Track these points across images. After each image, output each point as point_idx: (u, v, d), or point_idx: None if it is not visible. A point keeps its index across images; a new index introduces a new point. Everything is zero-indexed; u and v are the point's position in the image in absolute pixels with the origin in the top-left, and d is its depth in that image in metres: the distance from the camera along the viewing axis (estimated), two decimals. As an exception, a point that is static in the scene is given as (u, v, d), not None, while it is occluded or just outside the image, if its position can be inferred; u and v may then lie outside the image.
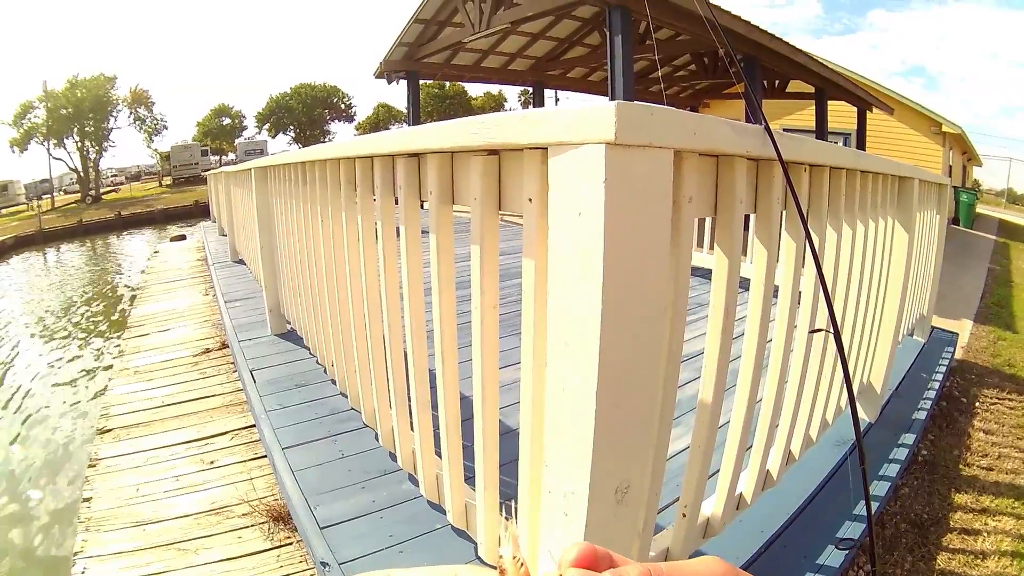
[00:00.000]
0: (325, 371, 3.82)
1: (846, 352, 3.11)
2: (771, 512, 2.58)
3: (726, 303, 1.64)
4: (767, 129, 1.50)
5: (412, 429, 2.39)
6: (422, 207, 2.04)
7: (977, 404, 6.50)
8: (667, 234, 1.21)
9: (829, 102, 15.56)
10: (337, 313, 3.03)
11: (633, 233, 1.10)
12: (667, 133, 1.14)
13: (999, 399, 6.84)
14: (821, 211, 2.14)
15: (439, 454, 2.22)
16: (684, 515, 1.88)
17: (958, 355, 7.61)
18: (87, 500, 3.39)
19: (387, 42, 15.21)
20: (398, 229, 2.19)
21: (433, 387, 2.11)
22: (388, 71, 15.31)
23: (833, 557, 2.54)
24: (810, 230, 1.76)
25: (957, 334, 6.85)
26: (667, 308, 1.37)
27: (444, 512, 2.28)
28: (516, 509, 1.59)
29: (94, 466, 3.80)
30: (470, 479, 2.09)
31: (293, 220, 3.85)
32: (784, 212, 1.85)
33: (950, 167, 22.32)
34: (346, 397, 3.33)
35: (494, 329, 1.70)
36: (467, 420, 2.00)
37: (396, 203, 2.16)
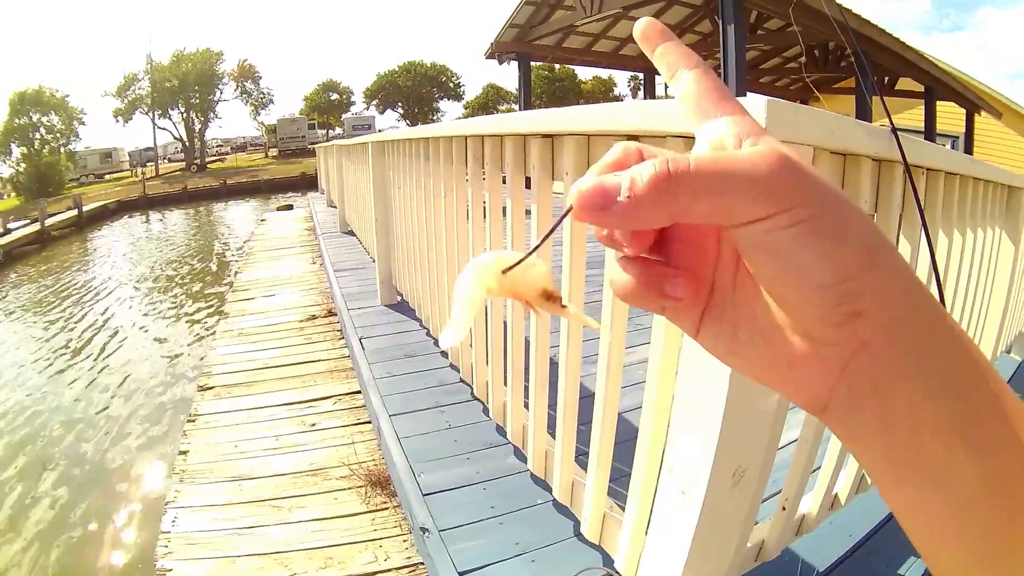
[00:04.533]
0: (435, 343, 3.89)
1: None
2: (861, 517, 2.52)
3: None
4: (894, 131, 1.50)
5: (526, 407, 2.44)
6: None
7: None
8: None
9: (938, 103, 15.06)
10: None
11: None
12: (809, 131, 1.18)
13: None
14: (934, 217, 2.10)
15: (550, 432, 2.26)
16: (784, 508, 1.89)
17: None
18: (183, 453, 3.51)
19: (498, 23, 15.28)
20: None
21: (554, 366, 2.16)
22: (499, 52, 15.39)
23: (916, 567, 2.49)
24: (930, 235, 1.73)
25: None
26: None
27: (548, 488, 2.33)
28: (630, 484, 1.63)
29: (193, 421, 3.94)
30: (578, 459, 2.15)
31: (411, 194, 3.93)
32: (901, 215, 1.84)
33: None
34: (456, 370, 3.42)
35: (623, 313, 1.74)
36: (583, 398, 2.06)
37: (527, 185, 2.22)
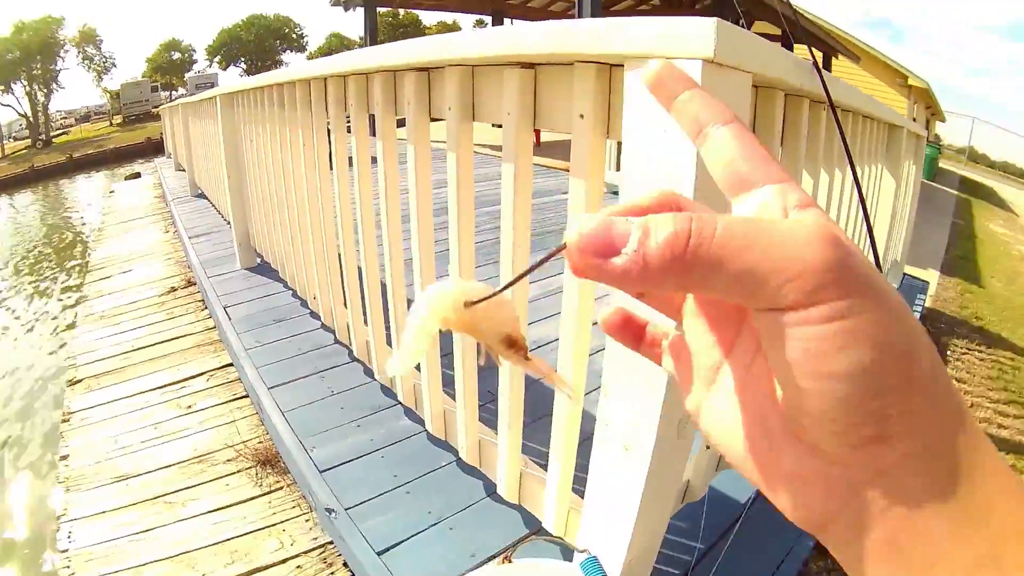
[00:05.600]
0: (304, 304, 3.70)
1: None
2: None
3: None
4: (816, 66, 1.46)
5: (416, 367, 2.27)
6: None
7: (948, 353, 6.63)
8: None
9: (795, 46, 15.48)
10: (321, 243, 2.90)
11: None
12: (751, 57, 1.08)
13: (968, 350, 6.98)
14: (831, 153, 2.10)
15: (447, 390, 2.15)
16: (708, 447, 1.87)
17: (927, 303, 7.77)
18: (64, 458, 3.25)
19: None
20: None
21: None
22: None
23: None
24: (855, 169, 1.68)
25: (928, 283, 6.94)
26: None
27: (450, 449, 2.23)
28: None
29: (67, 420, 3.65)
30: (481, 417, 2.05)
31: (266, 148, 3.68)
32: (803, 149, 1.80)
33: (914, 120, 22.83)
34: (331, 331, 3.22)
35: (526, 255, 1.60)
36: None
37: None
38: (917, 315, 5.62)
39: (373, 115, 2.13)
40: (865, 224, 1.45)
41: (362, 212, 2.43)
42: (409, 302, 2.18)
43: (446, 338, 2.01)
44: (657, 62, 0.36)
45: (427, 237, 2.04)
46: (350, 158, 2.42)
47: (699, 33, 0.94)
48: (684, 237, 0.26)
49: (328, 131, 2.54)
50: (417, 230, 2.02)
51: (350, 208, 2.54)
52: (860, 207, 1.48)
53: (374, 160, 2.23)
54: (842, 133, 1.57)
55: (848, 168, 2.56)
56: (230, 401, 3.49)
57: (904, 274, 6.33)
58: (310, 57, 60.59)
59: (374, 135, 2.16)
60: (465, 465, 2.15)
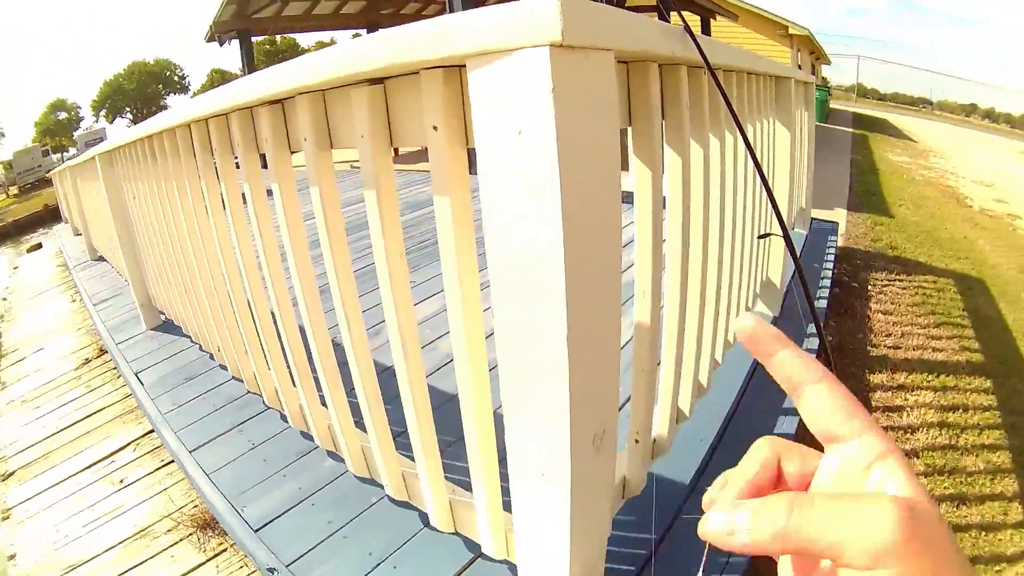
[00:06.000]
0: (212, 357, 3.57)
1: (750, 255, 3.08)
2: (706, 420, 2.63)
3: (653, 220, 1.52)
4: (688, 31, 1.41)
5: (324, 404, 2.20)
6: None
7: (870, 287, 6.78)
8: (617, 148, 1.06)
9: (672, 13, 15.58)
10: (214, 293, 2.79)
11: (585, 149, 0.96)
12: (610, 33, 1.00)
13: (890, 281, 7.15)
14: (719, 118, 2.07)
15: (360, 426, 2.05)
16: (637, 441, 1.80)
17: (840, 243, 7.96)
18: (12, 558, 3.10)
19: (215, 2, 14.46)
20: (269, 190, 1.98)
21: (340, 349, 1.94)
22: (219, 33, 14.62)
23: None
24: (745, 134, 1.65)
25: (837, 223, 7.10)
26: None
27: (378, 485, 2.13)
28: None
29: (7, 517, 3.48)
30: (400, 449, 1.97)
31: (149, 202, 3.52)
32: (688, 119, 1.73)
33: (799, 67, 23.39)
34: (241, 381, 3.10)
35: (404, 281, 1.52)
36: (382, 373, 1.88)
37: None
38: (831, 257, 5.73)
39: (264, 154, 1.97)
40: (763, 185, 1.42)
41: (243, 258, 2.32)
42: (304, 338, 2.12)
43: (347, 373, 1.93)
44: (749, 317, 0.42)
45: (307, 274, 1.95)
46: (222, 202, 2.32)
47: (542, 15, 0.85)
48: (781, 528, 0.34)
49: (215, 175, 2.40)
50: (296, 268, 1.93)
51: (232, 255, 2.43)
52: (756, 169, 1.45)
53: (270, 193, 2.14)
54: (726, 96, 1.52)
55: (748, 128, 2.58)
56: (159, 468, 3.38)
57: (812, 219, 6.44)
58: (194, 96, 60.39)
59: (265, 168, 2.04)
60: (399, 500, 2.07)
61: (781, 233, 1.50)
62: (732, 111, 1.50)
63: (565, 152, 0.90)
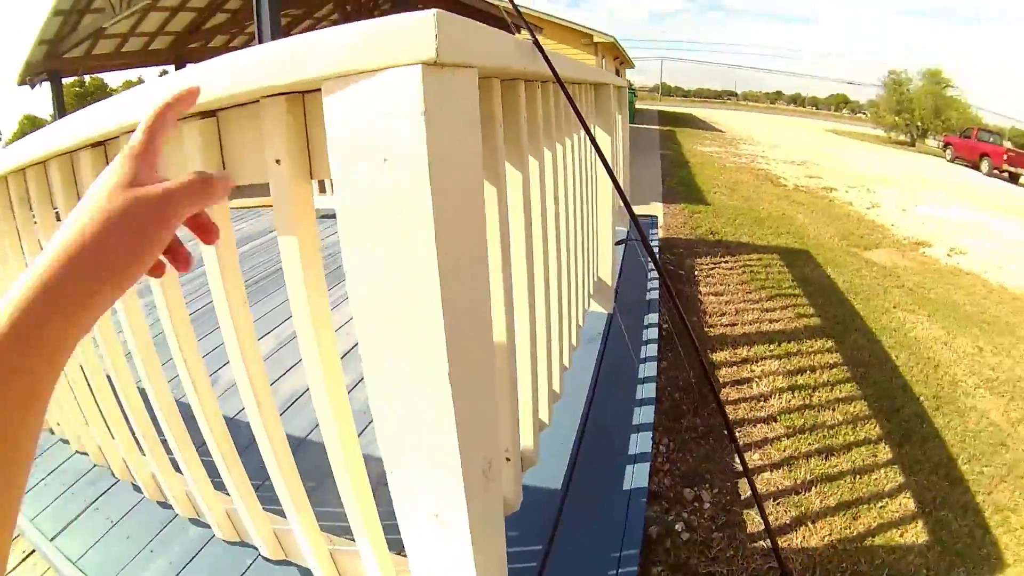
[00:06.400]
0: (52, 431, 3.28)
1: (583, 257, 3.12)
2: (565, 423, 2.65)
3: (501, 235, 1.48)
4: (537, 45, 1.41)
5: (178, 469, 2.04)
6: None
7: (696, 273, 7.09)
8: (481, 170, 1.03)
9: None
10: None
11: (455, 174, 0.91)
12: (477, 49, 0.96)
13: (715, 263, 7.49)
14: (550, 128, 2.09)
15: (219, 487, 1.92)
16: (508, 459, 1.75)
17: (661, 235, 8.32)
18: None
19: (24, 44, 13.84)
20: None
21: (185, 407, 1.81)
22: (30, 76, 13.87)
23: (641, 440, 2.75)
24: (594, 138, 1.64)
25: (655, 216, 7.36)
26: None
27: (250, 547, 2.00)
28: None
29: None
30: (264, 502, 1.84)
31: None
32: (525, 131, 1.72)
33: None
34: (86, 454, 2.86)
35: (249, 329, 1.42)
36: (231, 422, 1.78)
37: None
38: (655, 248, 5.93)
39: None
40: (615, 187, 1.42)
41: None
42: (145, 399, 1.97)
43: (194, 425, 1.80)
44: None
45: (140, 329, 1.79)
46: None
47: (417, 32, 0.80)
48: None
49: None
50: (128, 323, 1.77)
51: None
52: (605, 168, 1.44)
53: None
54: (575, 107, 1.52)
55: (569, 137, 2.58)
56: (23, 561, 3.06)
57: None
58: (7, 144, 56.85)
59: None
60: (276, 560, 1.94)
61: (638, 238, 1.51)
62: (582, 120, 1.50)
63: (438, 179, 0.84)
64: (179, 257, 0.60)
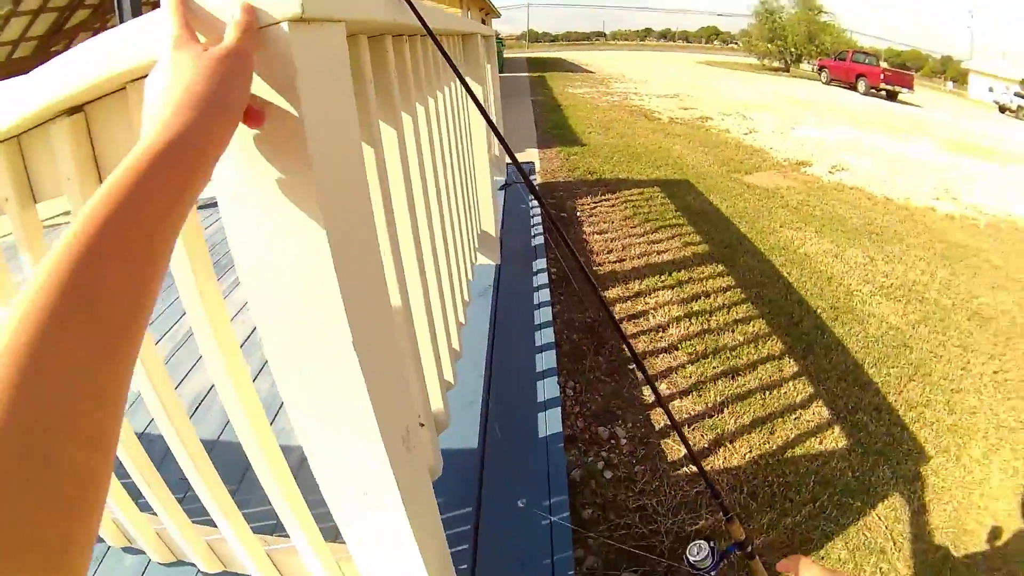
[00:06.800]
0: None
1: (465, 210, 3.13)
2: (469, 380, 2.71)
3: (383, 197, 1.44)
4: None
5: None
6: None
7: (579, 213, 7.11)
8: (357, 129, 0.98)
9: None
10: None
11: (335, 135, 0.86)
12: (343, 2, 0.92)
13: (596, 202, 7.53)
14: (407, 83, 2.01)
15: (145, 508, 1.82)
16: (422, 424, 1.73)
17: (540, 179, 8.32)
18: None
19: None
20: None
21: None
22: None
23: (549, 385, 2.79)
24: (471, 90, 1.61)
25: (532, 162, 7.33)
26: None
27: (188, 564, 1.93)
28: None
29: None
30: (197, 520, 1.78)
31: None
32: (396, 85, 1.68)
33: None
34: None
35: (145, 337, 1.40)
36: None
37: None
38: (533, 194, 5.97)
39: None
40: (492, 129, 1.41)
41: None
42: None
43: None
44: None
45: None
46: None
47: None
48: None
49: None
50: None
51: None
52: (482, 114, 1.44)
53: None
54: (450, 60, 1.46)
55: (440, 90, 2.58)
56: None
57: (508, 164, 6.67)
58: None
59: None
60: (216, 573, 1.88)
61: (521, 180, 1.53)
62: (457, 71, 1.45)
63: (316, 141, 0.78)
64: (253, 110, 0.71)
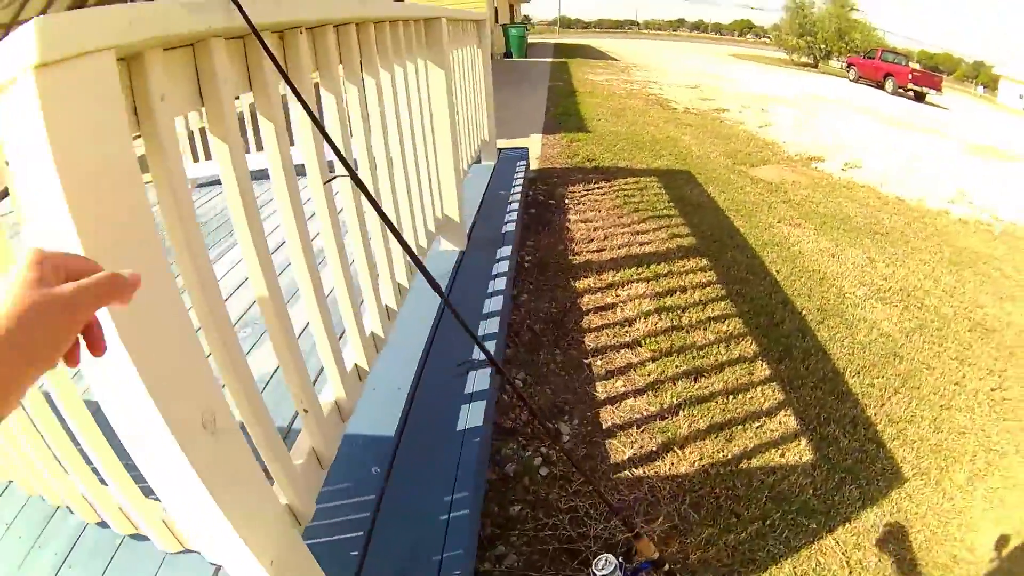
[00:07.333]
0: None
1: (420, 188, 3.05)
2: (400, 369, 2.72)
3: (241, 190, 1.42)
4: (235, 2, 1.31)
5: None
6: None
7: (567, 201, 6.99)
8: (131, 150, 0.98)
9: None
10: None
11: (102, 169, 0.90)
12: (102, 32, 0.91)
13: (588, 190, 7.40)
14: (330, 70, 1.98)
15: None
16: (306, 411, 1.72)
17: (536, 165, 8.23)
18: None
19: None
20: None
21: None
22: None
23: (479, 380, 2.78)
24: (301, 96, 1.56)
25: (527, 148, 7.25)
26: (174, 227, 1.18)
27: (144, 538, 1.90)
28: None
29: None
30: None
31: None
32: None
33: (495, 9, 24.38)
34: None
35: None
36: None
37: None
38: (519, 181, 5.88)
39: None
40: (320, 133, 1.36)
41: None
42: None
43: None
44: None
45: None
46: None
47: (20, 40, 0.77)
48: None
49: None
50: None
51: None
52: (314, 123, 1.38)
53: None
54: (273, 58, 1.43)
55: (388, 70, 2.53)
56: None
57: (500, 149, 6.67)
58: None
59: None
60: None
61: (347, 174, 1.46)
62: (285, 76, 1.43)
63: (73, 187, 0.83)
64: (94, 337, 0.64)
